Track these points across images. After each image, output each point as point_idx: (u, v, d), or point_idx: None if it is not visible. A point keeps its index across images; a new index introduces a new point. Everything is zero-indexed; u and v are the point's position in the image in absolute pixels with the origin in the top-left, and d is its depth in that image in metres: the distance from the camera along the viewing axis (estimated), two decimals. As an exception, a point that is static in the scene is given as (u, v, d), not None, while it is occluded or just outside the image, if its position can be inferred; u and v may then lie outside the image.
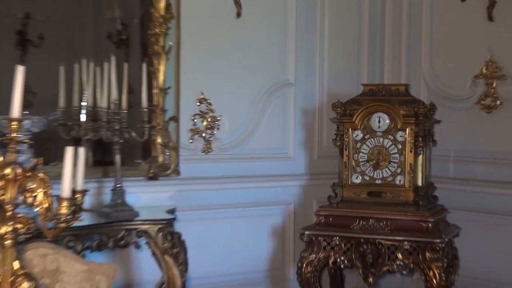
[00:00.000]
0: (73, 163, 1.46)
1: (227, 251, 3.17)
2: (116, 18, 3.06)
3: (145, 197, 2.91)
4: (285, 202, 3.40)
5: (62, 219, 1.44)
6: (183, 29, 2.98)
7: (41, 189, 1.45)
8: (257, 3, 3.18)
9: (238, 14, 3.10)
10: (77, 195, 1.49)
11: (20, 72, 1.37)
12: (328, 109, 3.23)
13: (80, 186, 1.49)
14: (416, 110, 2.97)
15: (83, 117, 2.71)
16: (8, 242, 1.45)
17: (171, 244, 2.73)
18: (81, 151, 1.48)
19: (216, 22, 3.09)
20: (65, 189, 1.43)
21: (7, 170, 1.42)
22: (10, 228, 1.44)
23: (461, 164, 3.30)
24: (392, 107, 2.97)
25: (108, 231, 2.64)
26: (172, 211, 2.84)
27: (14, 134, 1.40)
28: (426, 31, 3.47)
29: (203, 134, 3.07)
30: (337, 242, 2.91)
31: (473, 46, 3.25)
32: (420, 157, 2.99)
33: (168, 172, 2.99)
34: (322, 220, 2.98)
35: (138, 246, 2.75)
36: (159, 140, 2.93)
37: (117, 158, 2.66)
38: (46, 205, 1.46)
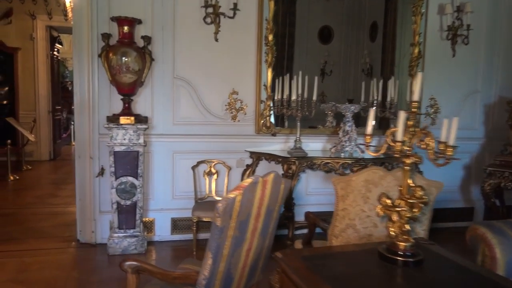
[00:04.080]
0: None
1: (444, 174, 4.76)
2: (367, 62, 4.94)
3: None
4: (471, 152, 4.97)
5: (447, 158, 1.73)
6: (426, 63, 4.58)
7: (430, 139, 1.77)
8: (466, 50, 4.65)
9: (453, 55, 4.67)
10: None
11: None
12: (499, 104, 4.74)
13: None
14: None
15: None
16: (407, 168, 1.81)
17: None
18: (455, 122, 1.74)
19: (445, 60, 4.66)
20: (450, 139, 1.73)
21: (411, 128, 1.79)
22: (410, 161, 1.80)
23: None
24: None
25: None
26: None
27: (415, 110, 1.78)
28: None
29: (431, 116, 4.67)
30: (506, 175, 4.25)
31: None
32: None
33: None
34: (497, 163, 4.34)
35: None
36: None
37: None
38: (432, 149, 1.75)
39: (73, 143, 10.28)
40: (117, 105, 3.96)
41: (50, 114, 8.24)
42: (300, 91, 4.03)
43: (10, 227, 4.43)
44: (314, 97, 4.10)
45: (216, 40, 4.19)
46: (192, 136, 4.24)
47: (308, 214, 2.74)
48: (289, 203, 4.06)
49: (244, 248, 1.85)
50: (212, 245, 1.68)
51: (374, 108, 2.41)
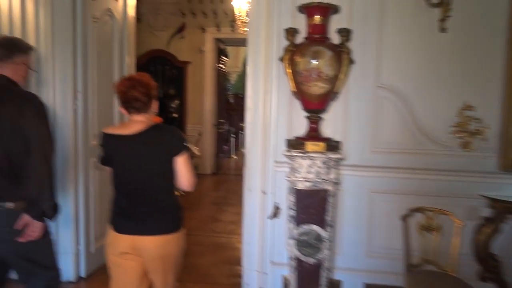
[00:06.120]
0: None
1: None
2: None
3: None
4: None
5: None
6: None
7: None
8: None
9: None
10: None
11: None
12: None
13: None
14: None
15: None
16: None
17: None
18: None
19: None
20: None
21: None
22: None
23: None
24: None
25: None
26: None
27: None
28: None
29: None
30: None
31: None
32: None
33: None
34: None
35: None
36: None
37: None
38: None
39: (233, 155, 10.02)
40: (298, 125, 2.93)
41: (215, 128, 7.92)
42: None
43: (171, 260, 3.81)
44: None
45: (442, 30, 2.78)
46: (398, 169, 2.92)
47: None
48: None
49: None
50: None
51: None
